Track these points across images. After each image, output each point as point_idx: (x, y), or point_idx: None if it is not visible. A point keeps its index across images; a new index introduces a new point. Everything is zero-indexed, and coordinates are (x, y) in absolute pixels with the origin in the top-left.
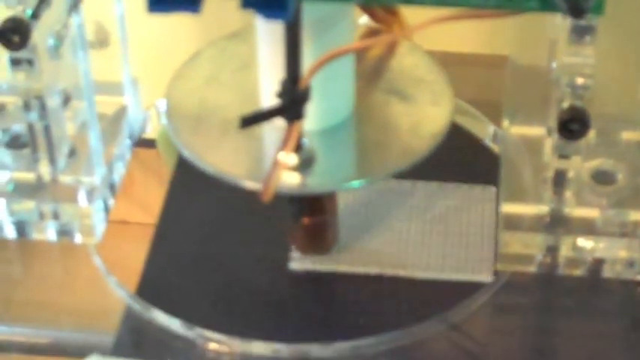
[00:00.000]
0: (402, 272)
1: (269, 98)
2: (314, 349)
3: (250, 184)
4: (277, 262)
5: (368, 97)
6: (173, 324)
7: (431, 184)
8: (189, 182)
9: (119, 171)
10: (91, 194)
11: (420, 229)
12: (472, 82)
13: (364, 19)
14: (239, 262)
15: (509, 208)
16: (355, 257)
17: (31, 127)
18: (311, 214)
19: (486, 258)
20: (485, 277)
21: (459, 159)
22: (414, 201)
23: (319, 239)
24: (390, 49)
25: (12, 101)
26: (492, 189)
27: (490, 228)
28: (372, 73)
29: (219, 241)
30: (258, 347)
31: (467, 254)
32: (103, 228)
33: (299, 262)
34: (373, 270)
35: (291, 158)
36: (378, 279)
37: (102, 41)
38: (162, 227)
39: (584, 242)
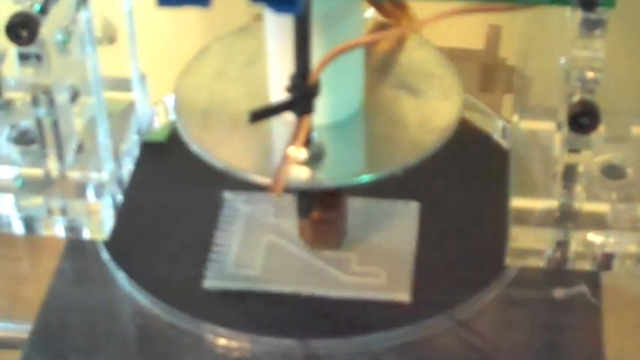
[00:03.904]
0: (318, 291)
1: (278, 93)
2: (323, 344)
3: (260, 179)
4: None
5: (377, 91)
6: (181, 319)
7: (354, 200)
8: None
9: (127, 167)
10: (99, 190)
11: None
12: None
13: (369, 13)
14: None
15: (518, 202)
16: (275, 276)
17: (39, 123)
18: (320, 209)
19: (404, 276)
20: (402, 297)
21: (468, 154)
22: None
23: (328, 234)
24: (399, 43)
25: (20, 97)
26: (414, 204)
27: (410, 245)
28: (381, 67)
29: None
30: (268, 343)
31: (385, 272)
32: (112, 224)
33: (213, 281)
34: (288, 289)
35: (301, 153)
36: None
37: (109, 37)
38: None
39: (594, 237)
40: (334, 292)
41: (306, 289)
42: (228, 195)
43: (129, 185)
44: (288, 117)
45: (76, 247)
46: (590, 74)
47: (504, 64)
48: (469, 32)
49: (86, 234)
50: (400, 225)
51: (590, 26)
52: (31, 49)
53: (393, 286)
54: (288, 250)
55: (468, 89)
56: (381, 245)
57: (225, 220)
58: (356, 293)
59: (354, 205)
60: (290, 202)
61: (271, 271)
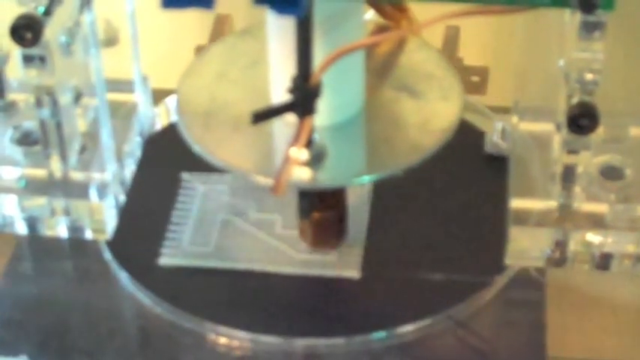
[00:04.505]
0: (270, 268)
1: (280, 94)
2: (323, 344)
3: (262, 180)
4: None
5: (377, 93)
6: (183, 319)
7: None
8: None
9: (130, 167)
10: (102, 190)
11: (292, 224)
12: None
13: (369, 15)
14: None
15: (518, 203)
16: (229, 254)
17: (42, 124)
18: (320, 209)
19: (354, 254)
20: (352, 273)
21: (467, 155)
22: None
23: (328, 234)
24: (399, 45)
25: (23, 98)
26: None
27: (362, 224)
28: (381, 69)
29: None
30: (268, 341)
31: (336, 250)
32: (114, 224)
33: (168, 258)
34: (241, 266)
35: (303, 153)
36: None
37: (110, 39)
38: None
39: (593, 237)
40: (286, 269)
41: (259, 266)
42: (185, 175)
43: (131, 186)
44: (290, 118)
45: (79, 247)
46: (589, 76)
47: (462, 64)
48: (428, 31)
49: (89, 234)
50: (352, 206)
51: (589, 28)
52: (34, 50)
53: (343, 264)
54: (241, 229)
55: None
56: None
57: (182, 200)
58: (307, 270)
59: None
60: (245, 182)
61: (225, 248)
